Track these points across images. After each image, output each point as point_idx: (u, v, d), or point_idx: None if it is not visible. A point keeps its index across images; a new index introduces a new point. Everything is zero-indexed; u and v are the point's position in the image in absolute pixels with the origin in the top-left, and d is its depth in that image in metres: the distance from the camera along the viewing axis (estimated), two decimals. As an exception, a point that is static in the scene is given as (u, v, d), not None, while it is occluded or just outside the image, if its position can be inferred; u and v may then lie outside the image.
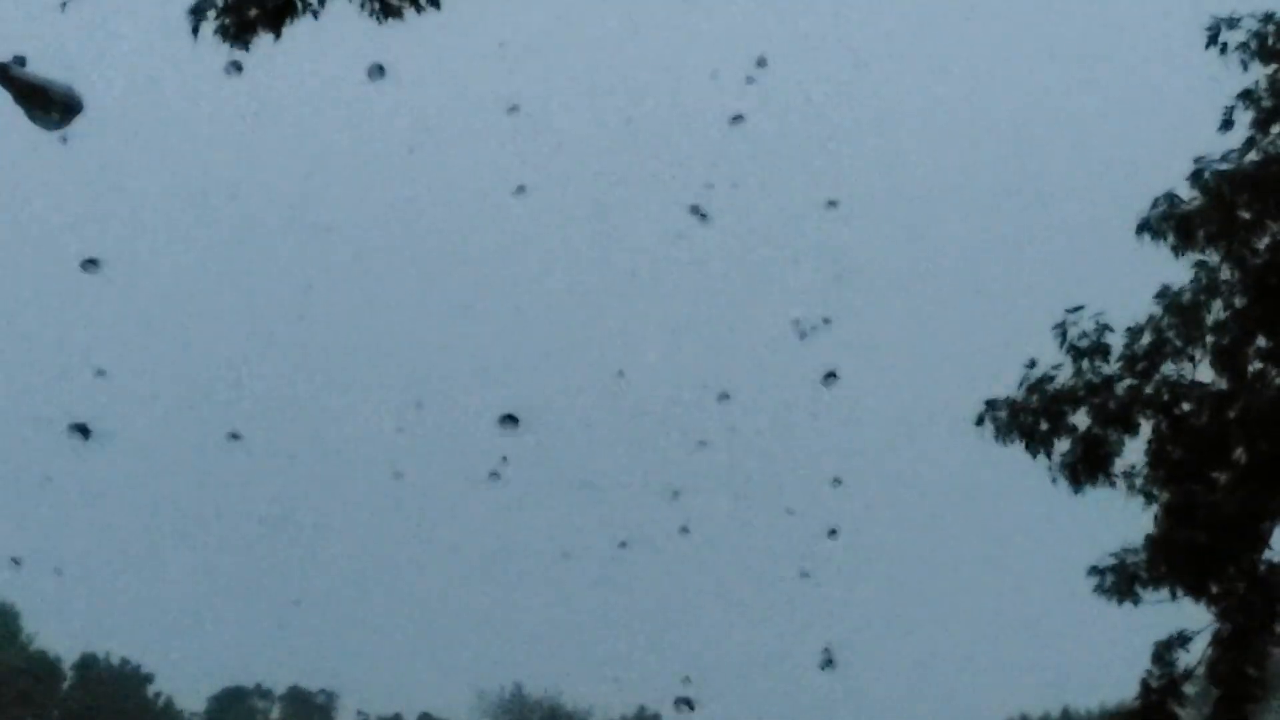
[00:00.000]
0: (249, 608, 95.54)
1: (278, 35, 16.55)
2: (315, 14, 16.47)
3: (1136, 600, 20.09)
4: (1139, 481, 20.19)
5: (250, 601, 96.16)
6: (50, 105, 18.01)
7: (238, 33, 16.39)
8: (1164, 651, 20.02)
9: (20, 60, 18.46)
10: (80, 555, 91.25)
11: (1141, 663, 20.09)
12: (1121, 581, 20.08)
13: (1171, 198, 19.98)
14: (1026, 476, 20.28)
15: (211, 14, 16.41)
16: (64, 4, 17.52)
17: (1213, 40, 19.92)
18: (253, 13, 16.42)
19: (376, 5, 16.60)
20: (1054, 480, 20.19)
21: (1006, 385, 20.24)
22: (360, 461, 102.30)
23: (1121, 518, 20.17)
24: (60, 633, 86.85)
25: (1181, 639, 20.04)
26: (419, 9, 16.76)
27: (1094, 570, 20.34)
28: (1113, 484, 20.22)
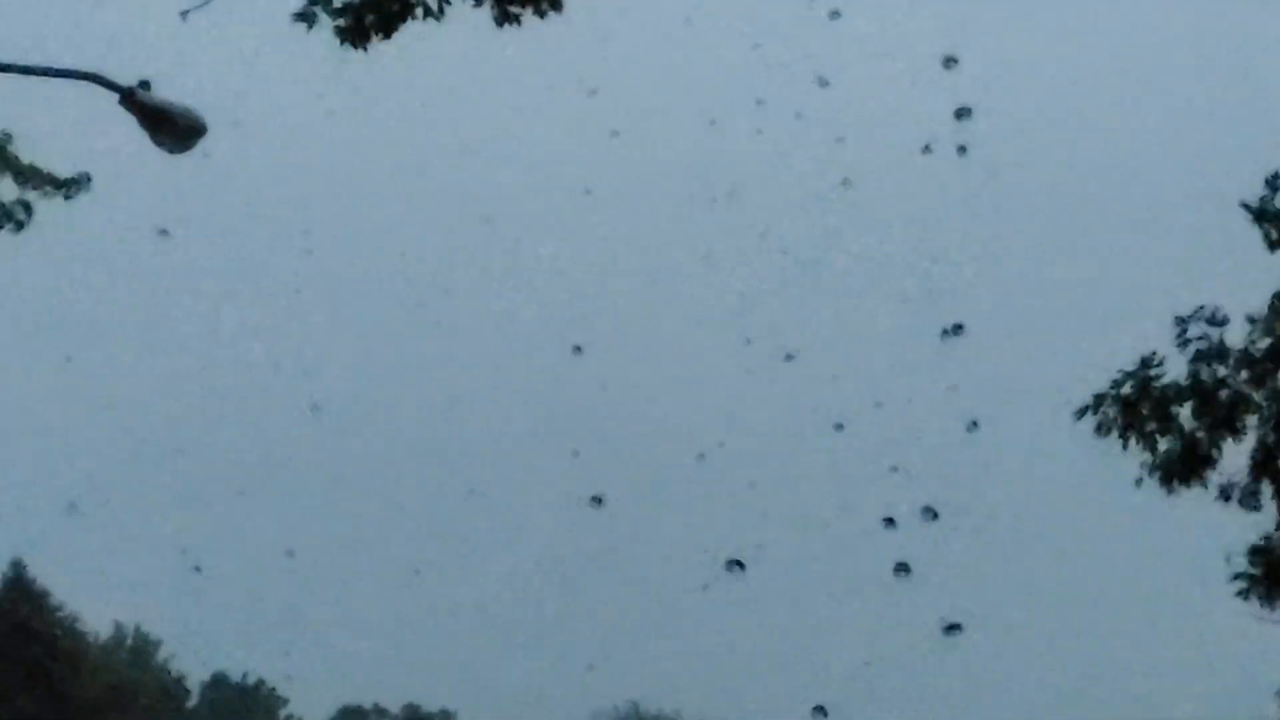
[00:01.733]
0: (368, 625, 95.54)
1: (388, 36, 16.75)
2: (437, 16, 16.73)
3: None
4: (1237, 491, 19.59)
5: (369, 619, 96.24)
6: (174, 129, 19.58)
7: (354, 35, 16.78)
8: None
9: (145, 85, 20.09)
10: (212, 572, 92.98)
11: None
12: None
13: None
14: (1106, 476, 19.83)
15: (323, 13, 16.74)
16: (184, 13, 19.17)
17: None
18: (369, 18, 16.73)
19: (495, 9, 16.64)
20: (1139, 481, 19.75)
21: (1099, 375, 19.95)
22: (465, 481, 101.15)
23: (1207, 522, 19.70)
24: (195, 652, 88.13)
25: None
26: (541, 14, 16.82)
27: (1239, 575, 19.69)
28: (1205, 486, 19.67)
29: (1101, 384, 20.19)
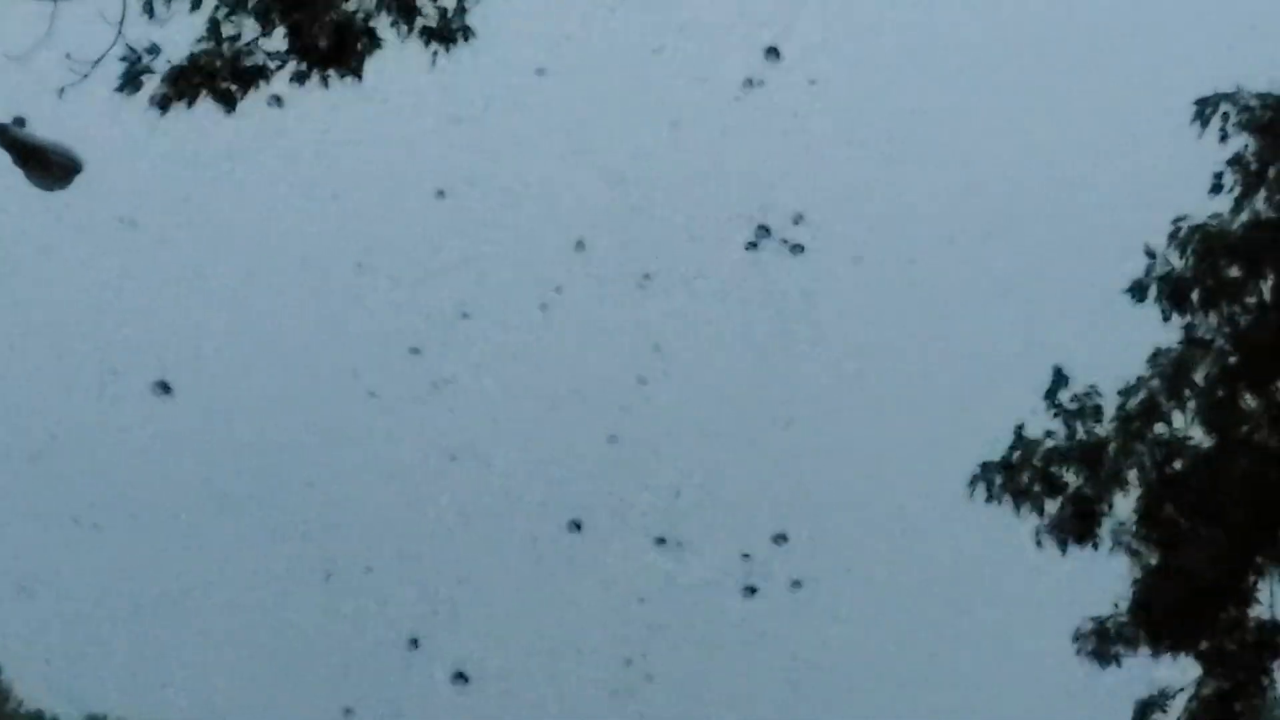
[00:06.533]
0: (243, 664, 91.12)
1: (230, 110, 17.65)
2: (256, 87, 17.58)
3: (1119, 662, 20.05)
4: (1126, 540, 20.12)
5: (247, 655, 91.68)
6: (49, 167, 19.46)
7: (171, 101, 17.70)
8: (1146, 710, 19.97)
9: (20, 121, 19.86)
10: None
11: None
12: (1102, 645, 20.04)
13: (1154, 259, 20.26)
14: (1006, 539, 20.40)
15: (155, 82, 17.67)
16: (62, 90, 18.07)
17: (1199, 118, 20.34)
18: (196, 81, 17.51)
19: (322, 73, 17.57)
20: (1039, 543, 20.26)
21: (982, 445, 20.47)
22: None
23: (1104, 576, 20.16)
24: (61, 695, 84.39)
25: (1163, 696, 19.96)
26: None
27: (1076, 635, 20.31)
28: (1097, 546, 20.25)
29: (980, 452, 20.86)
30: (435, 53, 17.66)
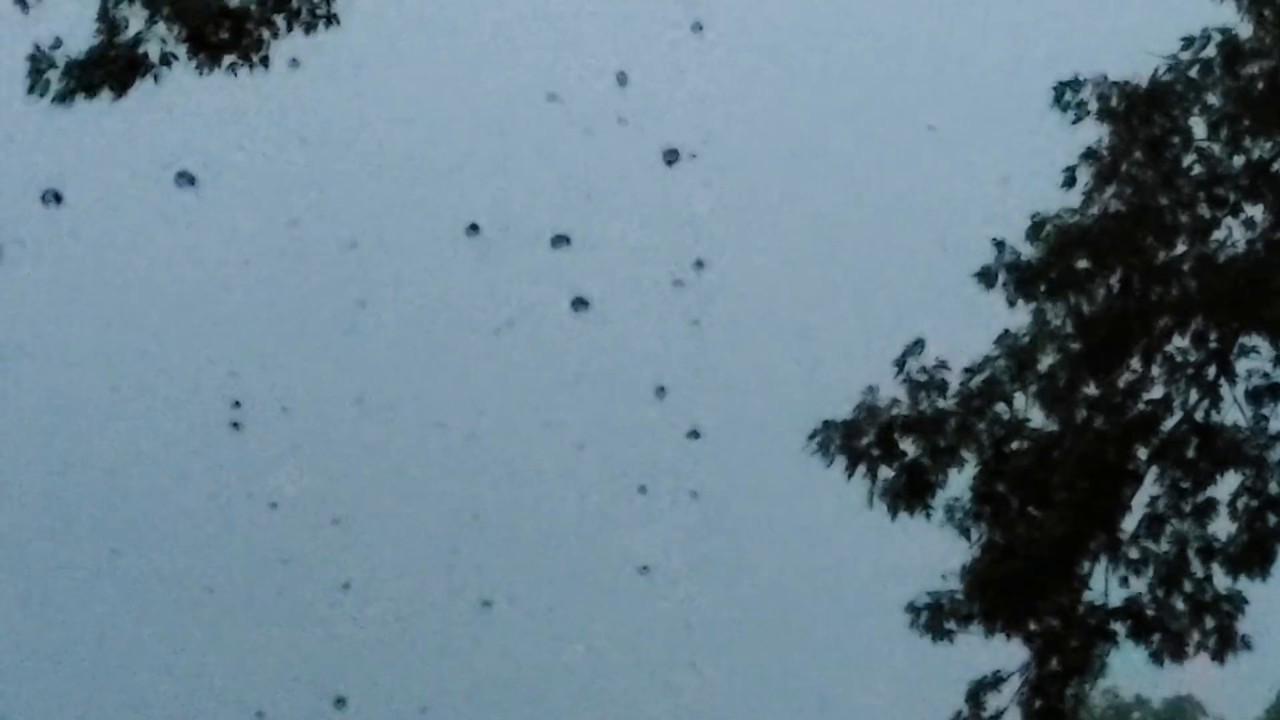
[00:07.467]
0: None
1: (120, 95, 17.71)
2: (156, 77, 17.90)
3: (951, 639, 20.24)
4: (958, 515, 20.35)
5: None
6: None
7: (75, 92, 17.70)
8: (978, 691, 20.17)
9: None
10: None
11: (944, 690, 20.27)
12: (935, 619, 20.25)
13: (1004, 247, 20.57)
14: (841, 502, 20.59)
15: (53, 73, 17.70)
16: None
17: (1058, 101, 20.63)
18: (99, 74, 17.67)
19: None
20: (871, 504, 20.40)
21: (827, 410, 20.62)
22: None
23: (935, 548, 20.39)
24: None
25: (996, 680, 20.18)
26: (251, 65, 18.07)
27: (910, 608, 20.48)
28: (929, 515, 20.39)
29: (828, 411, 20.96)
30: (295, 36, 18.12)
